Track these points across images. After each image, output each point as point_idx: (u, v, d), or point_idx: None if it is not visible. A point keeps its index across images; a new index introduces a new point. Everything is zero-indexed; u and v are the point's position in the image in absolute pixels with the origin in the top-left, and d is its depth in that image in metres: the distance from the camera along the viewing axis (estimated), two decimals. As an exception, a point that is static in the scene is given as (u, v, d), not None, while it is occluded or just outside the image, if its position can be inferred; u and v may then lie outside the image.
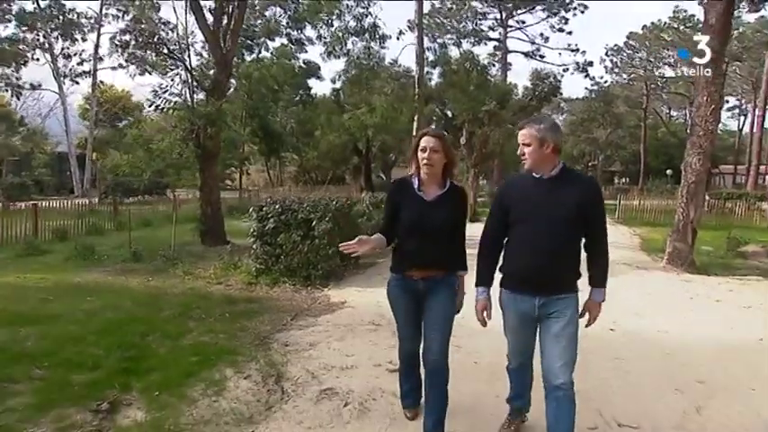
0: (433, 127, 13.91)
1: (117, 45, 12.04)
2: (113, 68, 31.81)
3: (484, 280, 2.94)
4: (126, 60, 26.50)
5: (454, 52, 22.63)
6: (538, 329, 2.84)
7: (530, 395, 3.20)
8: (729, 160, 47.61)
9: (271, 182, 35.96)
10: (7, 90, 33.27)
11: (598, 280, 2.85)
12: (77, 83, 35.18)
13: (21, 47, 31.84)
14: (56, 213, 14.68)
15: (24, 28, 32.04)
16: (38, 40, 32.88)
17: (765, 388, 4.00)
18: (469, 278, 3.09)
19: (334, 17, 16.34)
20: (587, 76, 38.14)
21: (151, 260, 9.34)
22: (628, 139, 49.47)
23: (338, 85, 28.90)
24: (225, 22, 10.89)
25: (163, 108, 10.32)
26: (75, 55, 34.27)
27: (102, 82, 35.42)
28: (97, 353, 4.62)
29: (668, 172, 40.79)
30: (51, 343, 4.87)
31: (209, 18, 10.94)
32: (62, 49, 33.77)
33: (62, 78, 33.66)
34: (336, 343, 5.00)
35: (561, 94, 24.38)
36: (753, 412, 3.57)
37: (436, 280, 3.00)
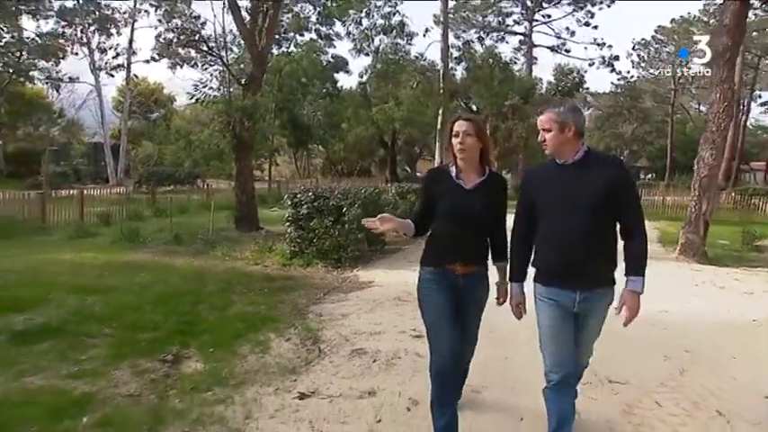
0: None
1: (162, 42, 12.75)
2: (146, 62, 32.78)
3: (517, 275, 2.84)
4: (158, 54, 27.69)
5: (478, 46, 23.01)
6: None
7: None
8: (764, 157, 46.75)
9: (298, 173, 36.77)
10: (47, 83, 34.58)
11: (633, 268, 2.60)
12: (113, 75, 36.34)
13: (60, 41, 33.06)
14: (97, 200, 15.63)
15: (63, 24, 33.29)
16: (76, 35, 34.11)
17: (746, 358, 4.48)
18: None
19: (363, 15, 16.87)
20: (613, 70, 37.87)
21: (191, 243, 10.05)
22: (654, 134, 48.98)
23: (365, 78, 29.56)
24: (260, 20, 11.54)
25: (203, 101, 11.04)
26: (110, 49, 35.47)
27: (135, 75, 36.51)
28: (155, 318, 5.29)
29: (694, 168, 40.37)
30: (114, 309, 5.57)
31: (246, 17, 11.59)
32: (98, 43, 34.97)
33: (98, 71, 34.85)
34: (365, 314, 5.61)
35: (588, 88, 24.58)
36: (729, 377, 4.05)
37: (476, 275, 2.87)
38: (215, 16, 28.54)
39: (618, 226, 2.66)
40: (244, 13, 11.64)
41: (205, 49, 11.89)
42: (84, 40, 33.94)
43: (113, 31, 35.09)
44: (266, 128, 17.52)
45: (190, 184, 26.19)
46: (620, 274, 2.67)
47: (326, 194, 8.12)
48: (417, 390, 3.63)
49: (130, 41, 34.79)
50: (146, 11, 33.00)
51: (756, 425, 3.31)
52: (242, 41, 14.22)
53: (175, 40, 12.22)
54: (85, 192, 15.60)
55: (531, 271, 2.81)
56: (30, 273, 7.19)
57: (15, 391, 3.58)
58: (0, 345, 4.44)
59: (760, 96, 48.29)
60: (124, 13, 34.64)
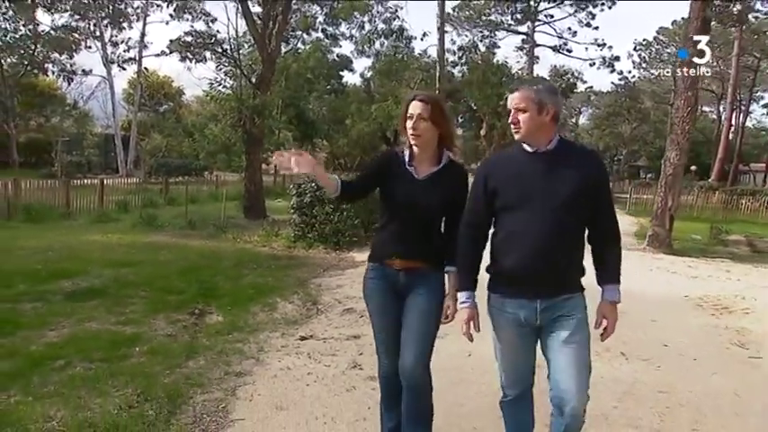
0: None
1: (181, 45, 13.80)
2: (157, 55, 34.00)
3: (466, 283, 2.36)
4: (170, 49, 28.79)
5: (478, 47, 23.90)
6: (539, 342, 2.30)
7: None
8: (764, 158, 47.34)
9: (303, 167, 37.69)
10: (60, 76, 35.64)
11: (610, 274, 2.28)
12: (124, 69, 37.44)
13: (74, 35, 34.13)
14: (114, 189, 16.69)
15: (77, 17, 34.35)
16: (89, 28, 35.16)
17: (664, 322, 5.52)
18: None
19: (365, 20, 17.87)
20: (613, 70, 38.72)
21: (204, 228, 11.13)
22: (653, 134, 49.75)
23: (368, 74, 30.56)
24: (271, 25, 12.54)
25: (217, 98, 12.09)
26: (122, 42, 36.55)
27: (146, 68, 37.53)
28: (180, 285, 6.34)
29: (692, 168, 41.01)
30: (145, 278, 6.61)
31: (258, 22, 12.61)
32: (111, 36, 36.03)
33: (110, 64, 35.92)
34: (357, 285, 6.48)
35: (592, 87, 25.16)
36: (642, 332, 5.09)
37: (421, 274, 2.47)
38: (228, 20, 30.33)
39: (587, 227, 2.30)
40: (255, 19, 12.66)
41: (220, 51, 12.97)
42: (98, 33, 35.01)
43: (125, 25, 36.22)
44: (273, 123, 18.58)
45: (197, 176, 27.29)
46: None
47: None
48: (393, 336, 4.64)
49: (142, 35, 35.87)
50: (158, 5, 34.00)
51: (646, 360, 4.36)
52: (250, 39, 15.30)
53: (193, 42, 13.25)
54: (104, 182, 16.62)
55: (485, 278, 2.38)
56: (67, 250, 8.23)
57: (80, 331, 4.62)
58: (58, 302, 5.48)
59: (762, 98, 48.85)
60: (137, 7, 35.74)
